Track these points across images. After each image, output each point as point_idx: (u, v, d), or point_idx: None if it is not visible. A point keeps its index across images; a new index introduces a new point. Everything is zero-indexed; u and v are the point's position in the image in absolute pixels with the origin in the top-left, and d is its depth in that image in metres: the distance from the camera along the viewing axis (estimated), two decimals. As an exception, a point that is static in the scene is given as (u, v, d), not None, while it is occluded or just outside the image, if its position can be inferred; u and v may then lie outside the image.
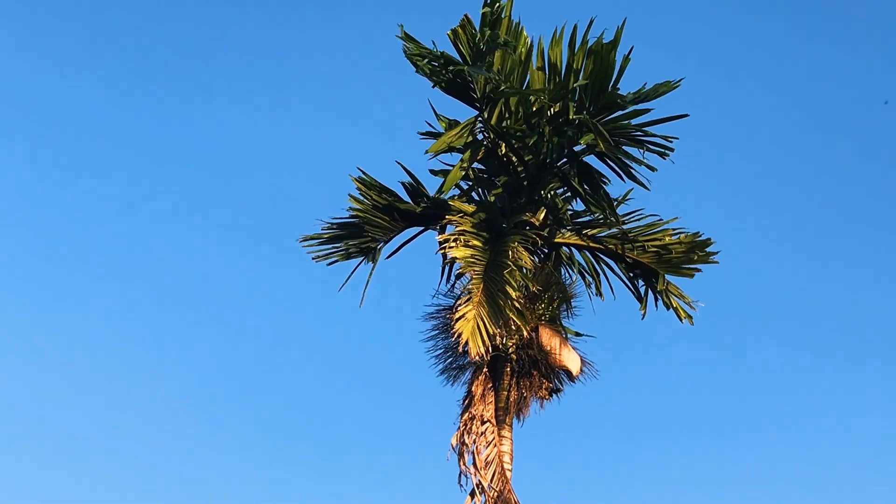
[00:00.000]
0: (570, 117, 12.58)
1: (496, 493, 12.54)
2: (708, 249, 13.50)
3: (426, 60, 12.81)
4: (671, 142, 12.48)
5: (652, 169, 12.58)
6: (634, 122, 12.55)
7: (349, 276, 13.41)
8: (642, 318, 13.94)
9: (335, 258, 13.56)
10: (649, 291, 13.97)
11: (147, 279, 29.96)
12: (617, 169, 12.95)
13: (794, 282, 30.00)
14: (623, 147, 12.60)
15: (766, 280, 29.64)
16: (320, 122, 32.71)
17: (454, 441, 12.85)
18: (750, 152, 31.61)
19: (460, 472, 12.65)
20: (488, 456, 12.78)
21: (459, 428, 12.90)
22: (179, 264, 30.25)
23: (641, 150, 12.50)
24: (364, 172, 13.37)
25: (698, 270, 13.67)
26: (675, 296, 13.91)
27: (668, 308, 13.92)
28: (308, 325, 29.22)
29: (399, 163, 13.22)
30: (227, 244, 30.88)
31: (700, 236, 13.56)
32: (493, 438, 12.90)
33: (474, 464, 12.68)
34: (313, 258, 13.51)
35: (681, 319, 13.89)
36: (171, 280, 30.11)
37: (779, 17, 32.60)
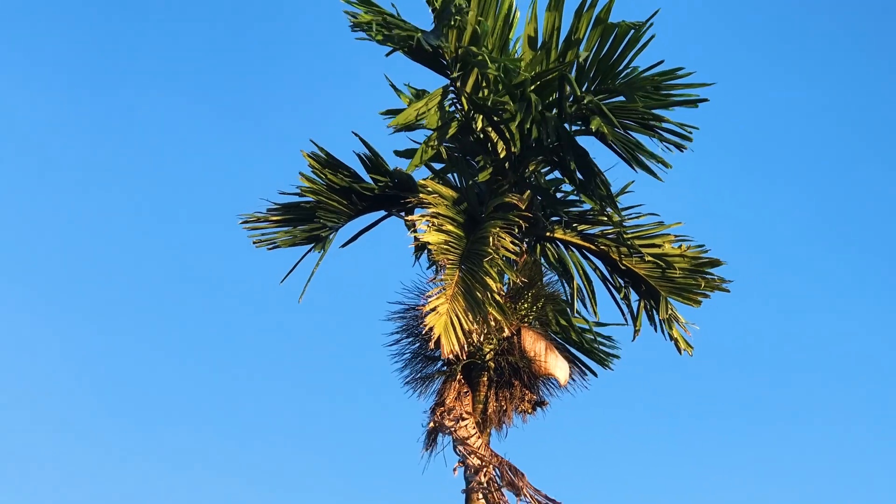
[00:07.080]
0: (578, 94, 10.81)
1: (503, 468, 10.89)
2: (716, 272, 11.83)
3: (377, 26, 10.91)
4: (690, 132, 10.74)
5: (667, 165, 10.83)
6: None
7: (294, 266, 11.67)
8: (633, 339, 12.22)
9: (278, 243, 11.74)
10: (643, 308, 12.21)
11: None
12: (621, 152, 11.10)
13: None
14: (632, 133, 10.90)
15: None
16: (265, 90, 29.91)
17: (431, 424, 11.08)
18: (772, 153, 28.66)
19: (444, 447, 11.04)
20: (475, 444, 10.97)
21: (434, 419, 11.10)
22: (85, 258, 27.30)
23: (653, 138, 10.82)
24: (318, 146, 11.58)
25: (706, 296, 11.95)
26: (677, 323, 12.18)
27: (666, 337, 12.18)
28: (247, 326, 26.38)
29: (355, 133, 11.39)
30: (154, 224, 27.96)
31: (706, 251, 11.86)
32: (476, 432, 11.05)
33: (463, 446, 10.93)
34: (254, 242, 11.72)
35: (680, 352, 12.20)
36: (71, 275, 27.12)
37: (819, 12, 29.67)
